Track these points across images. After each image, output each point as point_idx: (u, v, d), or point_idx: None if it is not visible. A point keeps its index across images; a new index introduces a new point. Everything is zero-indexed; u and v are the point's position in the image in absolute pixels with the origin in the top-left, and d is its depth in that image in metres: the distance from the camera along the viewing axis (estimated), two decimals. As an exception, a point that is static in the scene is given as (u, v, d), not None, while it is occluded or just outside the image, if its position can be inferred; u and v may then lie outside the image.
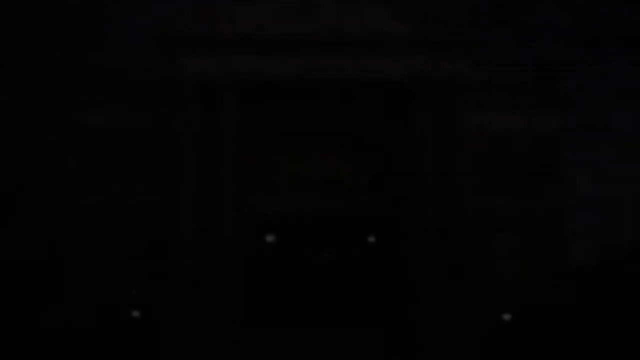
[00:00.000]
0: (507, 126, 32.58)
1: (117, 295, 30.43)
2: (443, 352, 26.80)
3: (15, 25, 23.66)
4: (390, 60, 30.14)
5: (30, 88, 25.32)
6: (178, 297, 28.00)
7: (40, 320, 27.68)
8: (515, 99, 33.10)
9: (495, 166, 32.26)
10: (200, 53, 30.12)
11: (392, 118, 31.26)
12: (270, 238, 33.28)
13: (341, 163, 33.48)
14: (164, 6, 33.11)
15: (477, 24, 29.01)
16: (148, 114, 31.87)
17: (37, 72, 24.92)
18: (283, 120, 31.93)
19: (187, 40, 29.94)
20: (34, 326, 26.65)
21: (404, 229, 30.91)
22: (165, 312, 27.62)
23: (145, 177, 31.33)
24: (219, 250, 28.72)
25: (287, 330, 28.75)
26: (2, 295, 27.61)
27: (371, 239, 33.42)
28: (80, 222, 31.38)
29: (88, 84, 28.93)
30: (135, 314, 28.50)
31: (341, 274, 32.74)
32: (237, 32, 29.71)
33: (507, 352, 26.90)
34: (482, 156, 32.19)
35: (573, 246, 35.39)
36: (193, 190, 29.47)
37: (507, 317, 29.43)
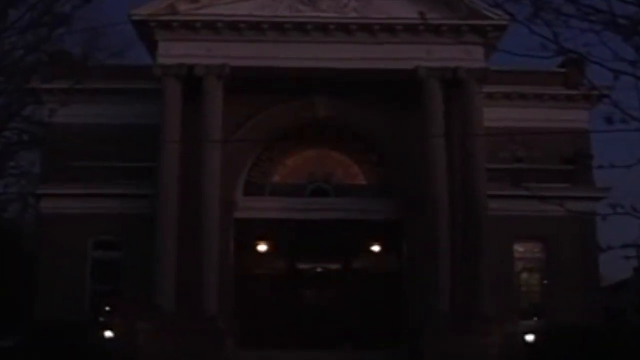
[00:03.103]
0: (530, 120, 32.37)
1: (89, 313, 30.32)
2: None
3: None
4: (398, 48, 29.90)
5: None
6: (158, 315, 27.83)
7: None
8: (539, 90, 33.02)
9: (517, 166, 32.27)
10: (184, 39, 29.95)
11: (400, 111, 31.13)
12: (262, 247, 33.14)
13: (343, 162, 33.48)
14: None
15: (495, 6, 28.92)
16: (124, 107, 31.79)
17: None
18: (277, 114, 31.84)
19: (169, 25, 29.73)
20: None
21: (414, 236, 30.80)
22: (143, 332, 27.36)
23: (124, 178, 31.38)
24: (203, 261, 28.48)
25: (283, 353, 28.83)
26: None
27: (377, 247, 33.28)
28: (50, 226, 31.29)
29: (54, 73, 28.28)
30: (109, 334, 28.41)
31: (343, 287, 32.56)
32: (227, 16, 29.59)
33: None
34: (502, 154, 32.19)
35: (605, 257, 36.26)
36: (174, 193, 29.35)
37: (530, 338, 29.34)
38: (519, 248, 32.48)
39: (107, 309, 31.15)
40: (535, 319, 31.75)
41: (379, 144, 32.56)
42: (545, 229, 31.12)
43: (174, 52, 30.00)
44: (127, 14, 29.25)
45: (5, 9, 22.19)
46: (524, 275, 32.69)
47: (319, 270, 33.12)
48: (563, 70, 32.40)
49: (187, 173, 29.39)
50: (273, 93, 31.04)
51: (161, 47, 30.03)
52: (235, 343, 29.21)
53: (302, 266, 33.01)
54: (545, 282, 32.42)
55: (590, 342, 27.80)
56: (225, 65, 29.74)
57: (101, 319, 30.33)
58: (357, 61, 29.96)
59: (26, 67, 24.17)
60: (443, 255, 28.74)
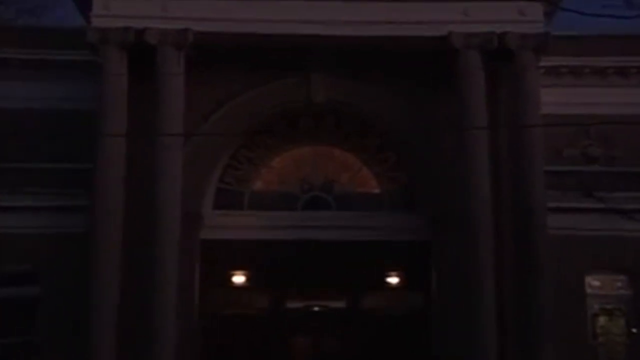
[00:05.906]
0: (607, 104, 30.17)
1: None
2: None
3: None
4: (425, 7, 28.08)
5: None
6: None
7: None
8: (621, 62, 30.75)
9: (590, 168, 30.34)
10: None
11: (428, 94, 29.16)
12: (239, 279, 31.26)
13: (348, 163, 31.60)
14: None
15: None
16: (45, 85, 30.10)
17: None
18: (259, 98, 29.79)
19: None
20: None
21: (446, 264, 28.73)
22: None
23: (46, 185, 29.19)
24: (157, 299, 26.26)
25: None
26: None
27: (395, 279, 31.50)
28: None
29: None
30: None
31: (348, 333, 30.56)
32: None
33: None
34: (568, 152, 30.68)
35: None
36: (117, 205, 27.17)
37: None
38: (593, 281, 29.59)
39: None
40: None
41: (398, 138, 30.36)
42: (630, 255, 28.66)
43: (116, 10, 28.00)
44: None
45: None
46: (601, 320, 29.65)
47: (316, 309, 31.41)
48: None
49: (135, 178, 27.37)
50: (253, 69, 29.05)
51: (97, 4, 27.97)
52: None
53: (293, 304, 31.29)
54: (634, 330, 29.68)
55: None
56: (187, 30, 27.69)
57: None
58: (368, 26, 27.90)
59: None
60: (486, 290, 26.49)
